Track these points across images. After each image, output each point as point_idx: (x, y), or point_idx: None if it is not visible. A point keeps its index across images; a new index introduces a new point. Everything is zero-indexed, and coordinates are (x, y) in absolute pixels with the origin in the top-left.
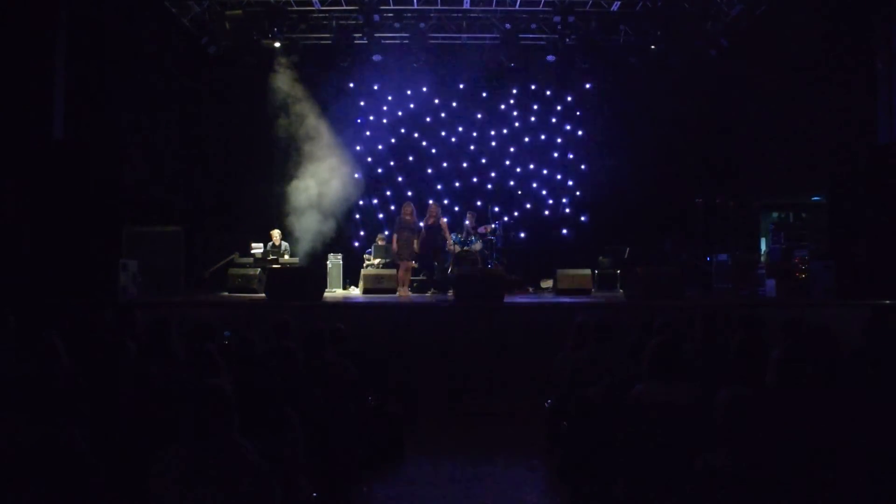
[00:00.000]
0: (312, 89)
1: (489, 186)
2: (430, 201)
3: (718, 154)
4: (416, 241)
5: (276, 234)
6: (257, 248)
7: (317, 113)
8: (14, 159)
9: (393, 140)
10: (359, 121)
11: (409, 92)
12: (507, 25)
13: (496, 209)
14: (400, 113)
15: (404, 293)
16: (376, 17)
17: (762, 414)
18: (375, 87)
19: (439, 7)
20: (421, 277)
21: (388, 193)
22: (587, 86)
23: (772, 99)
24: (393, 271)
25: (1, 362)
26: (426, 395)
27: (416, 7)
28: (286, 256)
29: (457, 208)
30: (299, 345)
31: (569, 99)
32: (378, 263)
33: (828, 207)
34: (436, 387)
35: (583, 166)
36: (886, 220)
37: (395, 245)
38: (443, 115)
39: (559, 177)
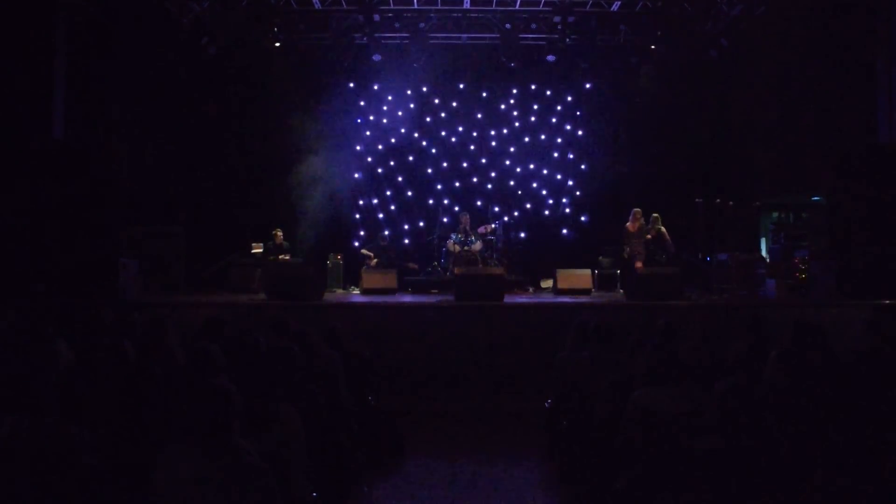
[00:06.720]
0: (312, 89)
1: (489, 186)
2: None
3: (718, 154)
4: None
5: (279, 234)
6: (257, 248)
7: (316, 113)
8: (14, 159)
9: (393, 140)
10: (359, 121)
11: (409, 92)
12: (507, 25)
13: (496, 209)
14: (400, 113)
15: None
16: (376, 17)
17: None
18: (375, 87)
19: (439, 7)
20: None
21: (388, 193)
22: (587, 86)
23: (772, 99)
24: (393, 272)
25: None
26: (426, 394)
27: (416, 7)
28: (287, 256)
29: (457, 208)
30: (298, 344)
31: (569, 99)
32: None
33: (828, 207)
34: (436, 386)
35: (583, 166)
36: (886, 220)
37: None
38: (443, 115)
39: (559, 177)
